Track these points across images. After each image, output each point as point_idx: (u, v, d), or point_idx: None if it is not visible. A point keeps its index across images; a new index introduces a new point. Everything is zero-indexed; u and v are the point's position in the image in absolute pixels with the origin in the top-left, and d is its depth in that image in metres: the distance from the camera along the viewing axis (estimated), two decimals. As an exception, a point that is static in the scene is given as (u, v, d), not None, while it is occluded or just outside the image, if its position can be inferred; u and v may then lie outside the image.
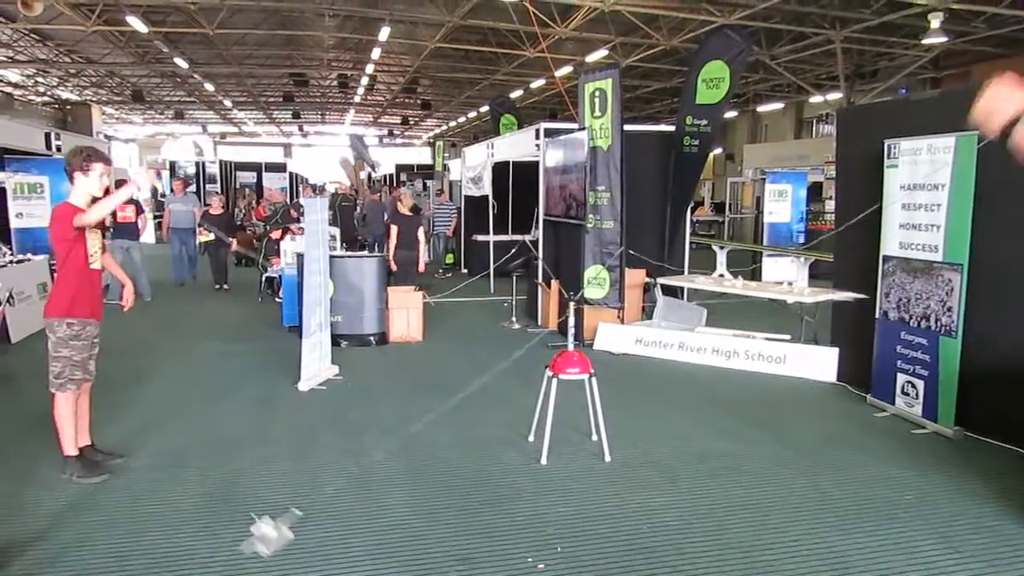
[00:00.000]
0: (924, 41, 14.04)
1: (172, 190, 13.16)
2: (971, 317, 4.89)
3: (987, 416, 4.85)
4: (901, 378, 5.41)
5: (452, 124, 37.90)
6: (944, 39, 13.80)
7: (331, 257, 7.19)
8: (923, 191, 5.17)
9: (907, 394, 5.37)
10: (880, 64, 19.16)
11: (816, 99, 21.99)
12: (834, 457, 4.66)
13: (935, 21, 12.83)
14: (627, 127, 7.86)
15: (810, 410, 5.76)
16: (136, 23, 15.36)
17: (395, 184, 25.65)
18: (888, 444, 4.91)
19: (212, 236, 11.60)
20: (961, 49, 16.45)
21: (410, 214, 9.31)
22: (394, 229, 8.87)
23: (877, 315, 5.66)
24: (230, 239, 11.66)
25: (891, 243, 5.50)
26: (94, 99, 28.00)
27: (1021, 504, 3.87)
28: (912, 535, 3.57)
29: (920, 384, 5.24)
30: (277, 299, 9.96)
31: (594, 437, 4.70)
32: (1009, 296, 4.79)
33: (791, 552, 3.40)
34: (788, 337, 7.10)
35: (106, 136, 29.67)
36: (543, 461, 4.45)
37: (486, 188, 12.42)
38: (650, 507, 3.89)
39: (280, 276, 9.72)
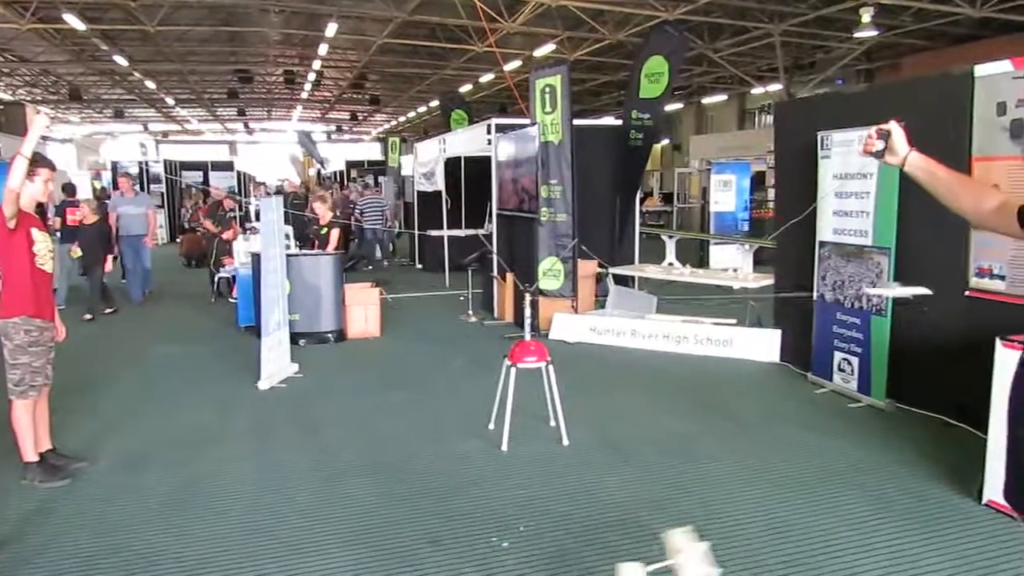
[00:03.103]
0: (856, 35, 14.65)
1: (118, 189, 11.49)
2: (899, 297, 5.23)
3: (915, 388, 5.20)
4: (838, 356, 5.75)
5: (402, 119, 37.71)
6: (875, 32, 14.44)
7: (287, 256, 7.21)
8: (854, 180, 5.50)
9: (843, 371, 5.70)
10: (817, 56, 19.85)
11: (758, 91, 22.65)
12: (777, 432, 4.96)
13: (866, 15, 13.42)
14: (577, 121, 8.06)
15: (755, 389, 6.07)
16: (73, 20, 14.92)
17: (345, 182, 25.43)
18: (827, 418, 5.23)
19: (80, 253, 9.45)
20: (892, 42, 17.17)
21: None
22: (336, 234, 8.64)
23: (815, 297, 5.99)
24: (104, 256, 9.48)
25: (826, 230, 5.83)
26: (28, 98, 27.02)
27: (945, 467, 4.20)
28: (846, 500, 3.86)
29: (855, 361, 5.58)
30: (231, 299, 9.90)
31: (552, 422, 4.89)
32: (930, 276, 5.11)
33: (738, 521, 3.65)
34: (734, 321, 7.41)
35: (42, 137, 28.60)
36: (504, 447, 4.61)
37: (439, 183, 12.51)
38: (606, 486, 4.10)
39: (234, 276, 9.65)
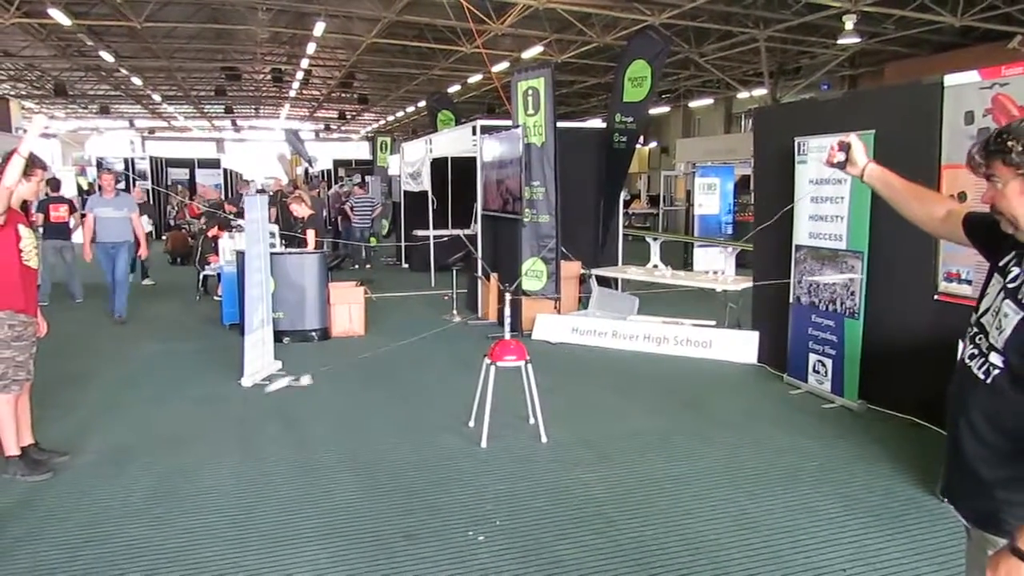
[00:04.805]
0: (840, 41, 14.84)
1: (98, 189, 10.14)
2: (871, 300, 5.36)
3: (886, 389, 5.33)
4: (812, 357, 5.87)
5: (391, 119, 37.68)
6: (857, 39, 14.64)
7: (272, 254, 7.26)
8: (829, 185, 5.62)
9: (818, 372, 5.83)
10: (802, 62, 20.08)
11: (743, 95, 22.84)
12: (751, 431, 5.06)
13: (849, 22, 13.61)
14: (561, 124, 8.15)
15: (732, 390, 6.18)
16: (58, 16, 14.84)
17: (333, 181, 25.40)
18: (800, 418, 5.35)
19: None
20: (874, 49, 17.40)
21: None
22: (311, 234, 8.51)
23: (791, 300, 6.11)
24: None
25: (802, 233, 5.95)
26: (12, 93, 26.78)
27: (911, 466, 4.32)
28: (815, 496, 3.97)
29: (829, 363, 5.70)
30: (216, 297, 9.91)
31: (531, 420, 4.97)
32: (901, 280, 5.27)
33: (709, 516, 3.75)
34: (714, 323, 7.53)
35: (26, 131, 28.33)
36: (483, 444, 4.69)
37: (425, 184, 12.57)
38: (583, 482, 4.18)
39: (219, 274, 9.66)
